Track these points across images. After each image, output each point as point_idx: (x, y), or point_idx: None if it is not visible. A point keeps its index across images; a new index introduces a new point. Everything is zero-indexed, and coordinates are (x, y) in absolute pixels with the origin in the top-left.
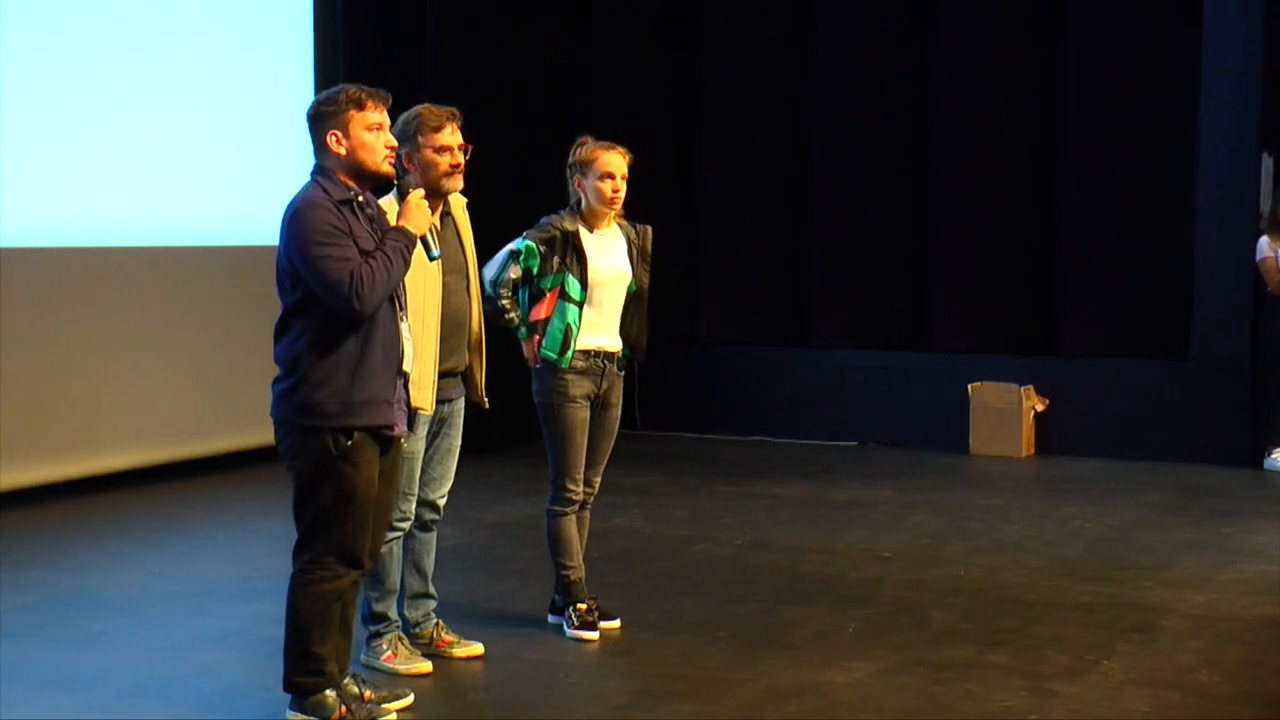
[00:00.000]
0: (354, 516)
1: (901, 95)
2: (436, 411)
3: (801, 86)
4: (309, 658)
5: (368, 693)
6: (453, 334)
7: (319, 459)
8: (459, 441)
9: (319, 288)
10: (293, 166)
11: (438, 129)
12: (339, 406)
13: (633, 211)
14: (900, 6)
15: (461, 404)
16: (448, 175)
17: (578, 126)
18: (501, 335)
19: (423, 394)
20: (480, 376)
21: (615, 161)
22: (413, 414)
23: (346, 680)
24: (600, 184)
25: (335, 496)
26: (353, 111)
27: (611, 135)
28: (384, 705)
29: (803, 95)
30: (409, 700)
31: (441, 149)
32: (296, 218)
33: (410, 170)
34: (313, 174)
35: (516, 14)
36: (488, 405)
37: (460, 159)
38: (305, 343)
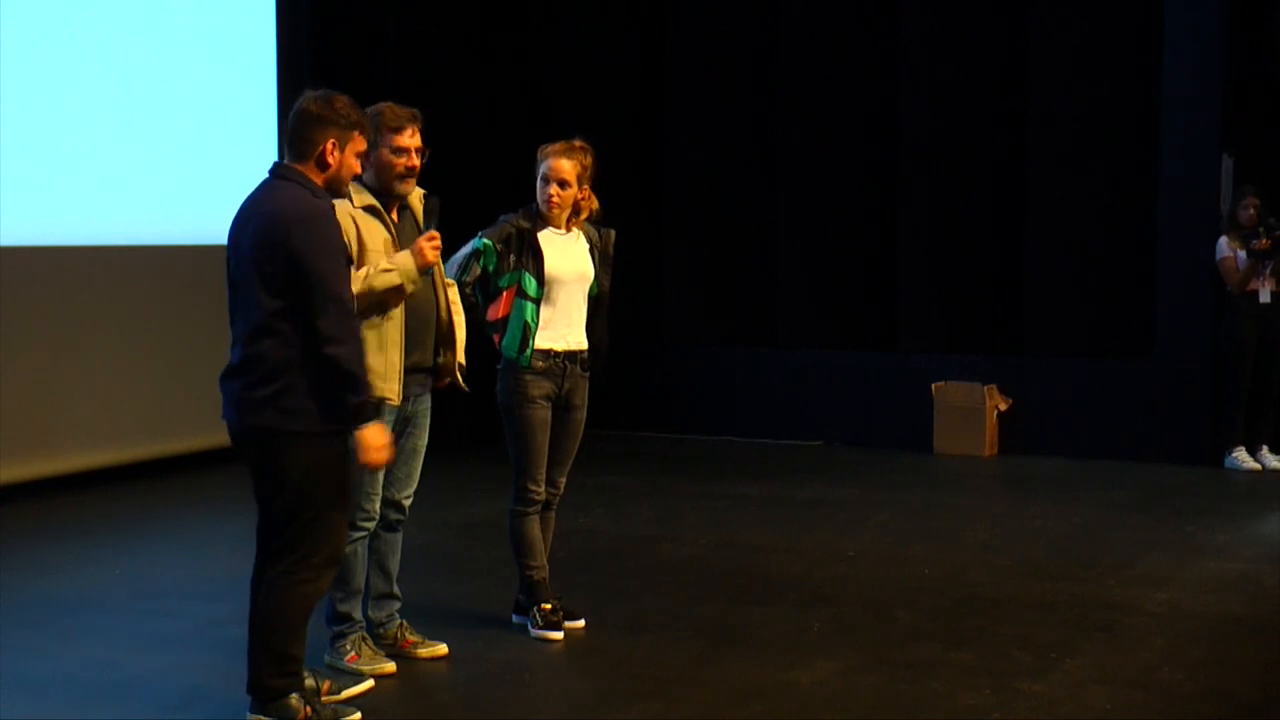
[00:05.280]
0: (342, 514)
1: (866, 96)
2: (401, 410)
3: (766, 87)
4: (287, 659)
5: (325, 683)
6: (418, 328)
7: (320, 460)
8: (425, 441)
9: (326, 299)
10: (257, 166)
11: (397, 130)
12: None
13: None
14: (864, 7)
15: (428, 403)
16: (401, 178)
17: (541, 127)
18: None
19: (389, 385)
20: (453, 360)
21: (559, 166)
22: (379, 406)
23: (305, 674)
24: (542, 187)
25: (331, 496)
26: (357, 133)
27: (576, 136)
28: (345, 692)
29: (767, 95)
30: (369, 684)
31: (399, 150)
32: (309, 225)
33: (366, 167)
34: (293, 177)
35: (480, 16)
36: (467, 389)
37: (416, 162)
38: (299, 347)
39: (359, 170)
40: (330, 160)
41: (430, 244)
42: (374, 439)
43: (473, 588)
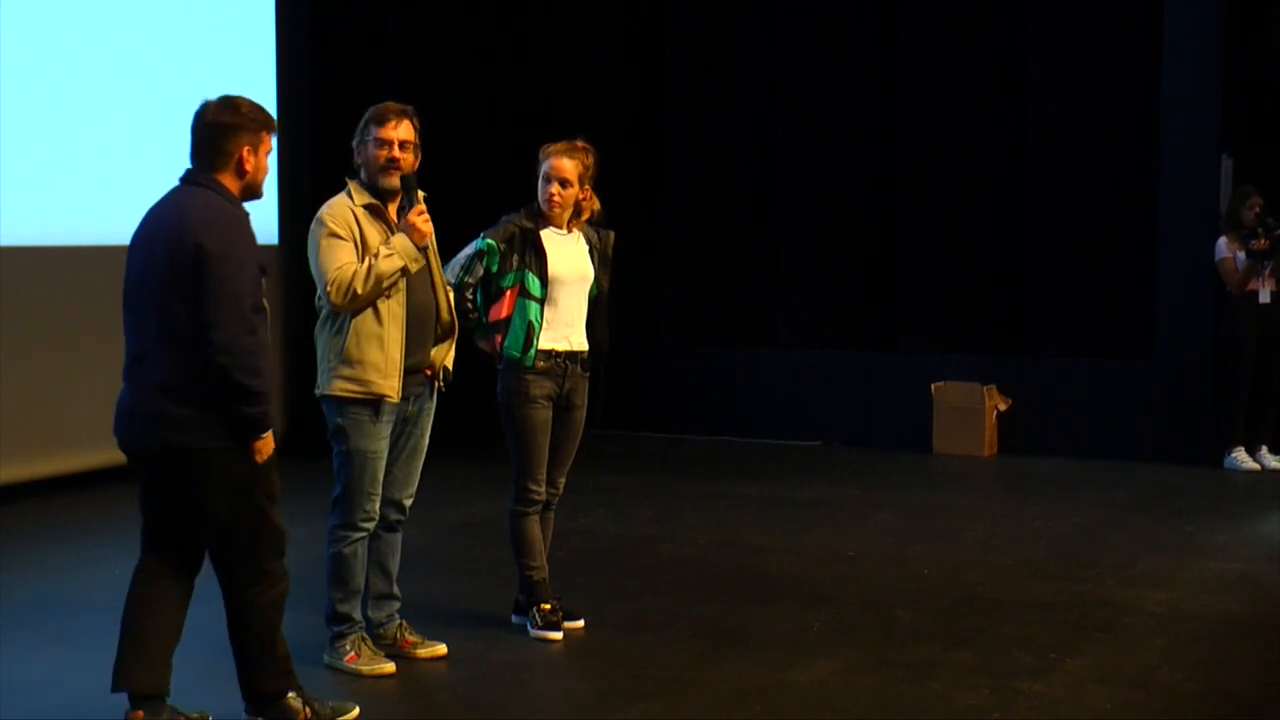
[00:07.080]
0: (274, 508)
1: (865, 97)
2: (401, 410)
3: (766, 87)
4: (277, 660)
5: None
6: (418, 329)
7: (249, 470)
8: (426, 442)
9: (225, 308)
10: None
11: (380, 122)
12: None
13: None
14: (864, 7)
15: (431, 404)
16: (383, 170)
17: (541, 127)
18: (466, 335)
19: (389, 382)
20: (443, 354)
21: (561, 165)
22: (378, 404)
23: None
24: (543, 186)
25: (263, 499)
26: (265, 133)
27: (576, 136)
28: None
29: (767, 96)
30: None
31: (381, 142)
32: (223, 230)
33: (360, 164)
34: (209, 185)
35: (480, 16)
36: (444, 389)
37: (399, 154)
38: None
39: (267, 171)
40: (248, 166)
41: (420, 217)
42: (266, 447)
43: (473, 588)
